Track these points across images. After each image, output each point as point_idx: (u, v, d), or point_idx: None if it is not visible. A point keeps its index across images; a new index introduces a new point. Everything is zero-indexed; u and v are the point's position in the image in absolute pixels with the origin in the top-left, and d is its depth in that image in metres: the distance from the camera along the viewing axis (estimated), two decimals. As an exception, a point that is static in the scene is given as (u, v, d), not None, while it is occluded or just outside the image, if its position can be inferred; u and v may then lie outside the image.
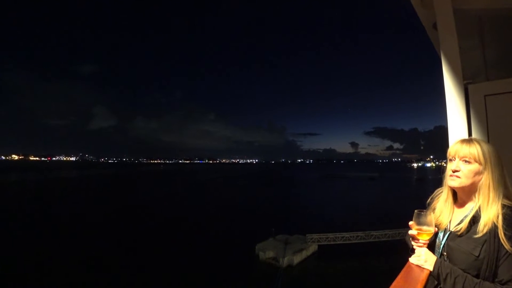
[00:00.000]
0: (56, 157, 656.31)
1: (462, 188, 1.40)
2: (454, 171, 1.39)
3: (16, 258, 29.27)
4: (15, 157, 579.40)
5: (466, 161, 1.36)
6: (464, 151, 1.37)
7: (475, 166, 1.34)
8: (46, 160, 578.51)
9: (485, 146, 1.36)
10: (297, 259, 30.48)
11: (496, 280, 1.19)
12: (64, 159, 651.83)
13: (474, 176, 1.35)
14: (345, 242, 34.00)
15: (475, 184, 1.36)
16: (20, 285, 24.38)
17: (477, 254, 1.25)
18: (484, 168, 1.34)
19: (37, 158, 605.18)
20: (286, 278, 27.06)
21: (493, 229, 1.22)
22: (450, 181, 1.42)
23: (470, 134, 2.03)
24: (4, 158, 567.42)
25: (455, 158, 1.41)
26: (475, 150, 1.35)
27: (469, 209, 1.39)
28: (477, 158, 1.34)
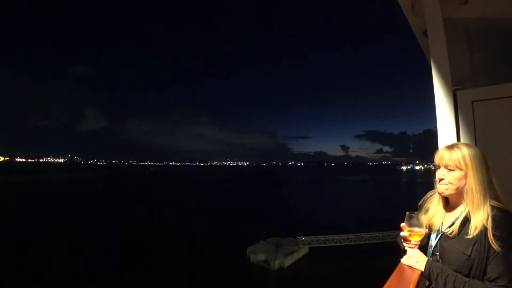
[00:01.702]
0: (43, 159, 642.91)
1: (451, 194, 1.45)
2: (440, 180, 1.45)
3: None
4: (1, 158, 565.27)
5: (449, 169, 1.41)
6: (446, 158, 1.42)
7: (457, 173, 1.39)
8: (32, 162, 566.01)
9: (467, 151, 1.39)
10: (288, 261, 30.50)
11: (485, 277, 1.25)
12: (52, 160, 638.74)
13: (459, 181, 1.40)
14: (336, 244, 34.21)
15: (460, 188, 1.41)
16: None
17: (469, 254, 1.30)
18: (466, 173, 1.38)
19: (24, 160, 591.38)
20: (277, 281, 27.05)
21: (483, 230, 1.27)
22: (438, 187, 1.48)
23: (458, 138, 2.09)
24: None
25: (440, 166, 1.46)
26: (455, 156, 1.39)
27: (460, 211, 1.45)
28: (458, 164, 1.38)
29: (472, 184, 1.37)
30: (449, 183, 1.41)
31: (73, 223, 44.93)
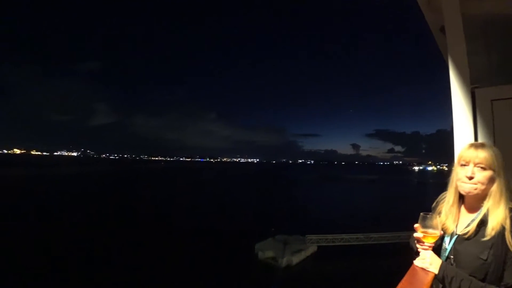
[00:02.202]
0: (58, 152, 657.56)
1: (476, 195, 1.38)
2: (470, 178, 1.37)
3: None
4: (17, 151, 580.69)
5: (481, 168, 1.35)
6: (479, 157, 1.35)
7: (489, 173, 1.34)
8: (47, 155, 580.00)
9: (496, 151, 1.35)
10: (296, 259, 30.48)
11: (502, 283, 1.20)
12: (66, 154, 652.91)
13: (489, 182, 1.34)
14: (344, 243, 33.97)
15: (487, 189, 1.35)
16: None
17: (485, 258, 1.25)
18: (497, 174, 1.33)
19: (39, 153, 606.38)
20: (284, 278, 27.09)
21: (501, 233, 1.23)
22: (465, 187, 1.40)
23: (476, 138, 2.03)
24: (6, 152, 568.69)
25: (469, 164, 1.38)
26: (489, 156, 1.34)
27: (476, 213, 1.39)
28: (491, 164, 1.33)
29: (500, 185, 1.33)
30: (479, 182, 1.34)
31: (101, 214, 46.02)
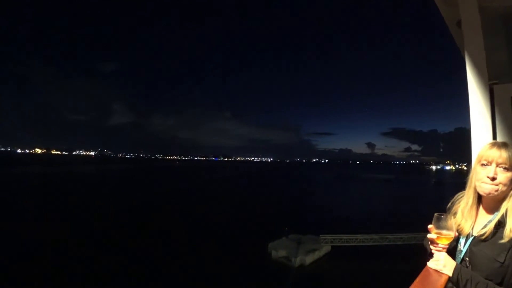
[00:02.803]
0: (76, 152, 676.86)
1: (496, 196, 1.33)
2: (492, 179, 1.31)
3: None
4: (39, 150, 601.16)
5: (504, 168, 1.29)
6: (503, 157, 1.29)
7: (511, 174, 1.29)
8: (66, 154, 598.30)
9: None
10: (309, 259, 30.32)
11: None
12: (84, 153, 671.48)
13: (511, 183, 1.29)
14: (359, 244, 33.51)
15: (508, 190, 1.30)
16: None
17: (502, 261, 1.20)
18: None
19: (59, 152, 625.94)
20: (298, 278, 27.01)
21: None
22: (486, 187, 1.34)
23: (494, 137, 1.95)
24: (28, 151, 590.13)
25: (490, 164, 1.33)
26: None
27: (494, 214, 1.34)
28: None
29: None
30: (501, 183, 1.29)
31: (116, 212, 47.24)
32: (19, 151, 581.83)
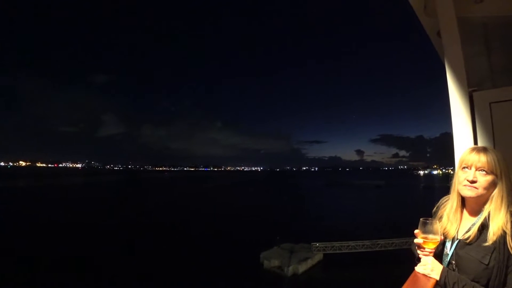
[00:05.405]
0: (63, 164, 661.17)
1: (477, 198, 1.38)
2: (471, 182, 1.36)
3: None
4: (23, 163, 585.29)
5: (484, 172, 1.34)
6: (481, 161, 1.34)
7: (491, 177, 1.33)
8: (52, 167, 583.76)
9: (499, 156, 1.35)
10: (302, 268, 30.14)
11: None
12: (71, 165, 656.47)
13: (490, 187, 1.34)
14: (351, 251, 33.52)
15: (489, 194, 1.35)
16: None
17: (486, 263, 1.24)
18: (499, 179, 1.33)
19: (44, 165, 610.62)
20: (291, 287, 26.76)
21: (503, 237, 1.22)
22: (466, 191, 1.39)
23: (475, 142, 2.01)
24: (12, 164, 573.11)
25: (470, 168, 1.38)
26: (491, 160, 1.33)
27: (477, 217, 1.38)
28: (493, 169, 1.33)
29: (501, 189, 1.32)
30: (481, 186, 1.34)
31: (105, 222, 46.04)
32: (2, 164, 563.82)
